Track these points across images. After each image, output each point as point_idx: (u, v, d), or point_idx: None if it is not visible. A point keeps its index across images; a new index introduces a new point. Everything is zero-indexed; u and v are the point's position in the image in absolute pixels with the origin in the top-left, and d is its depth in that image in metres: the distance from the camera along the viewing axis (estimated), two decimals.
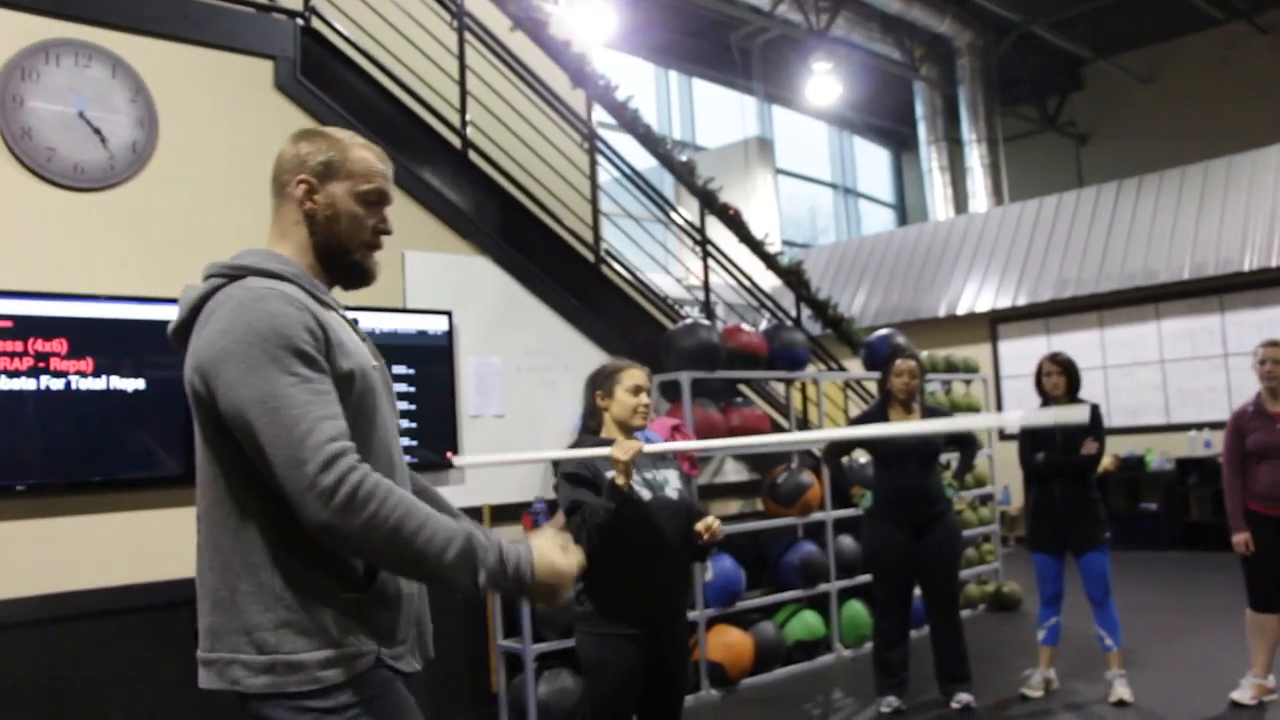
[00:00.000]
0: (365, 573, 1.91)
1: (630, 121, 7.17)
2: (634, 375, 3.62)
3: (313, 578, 1.86)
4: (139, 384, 4.48)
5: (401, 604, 1.97)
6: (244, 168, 5.01)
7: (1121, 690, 5.59)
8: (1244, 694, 5.44)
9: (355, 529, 1.73)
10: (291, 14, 5.51)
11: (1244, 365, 5.31)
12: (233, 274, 1.90)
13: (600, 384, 3.66)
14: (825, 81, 15.63)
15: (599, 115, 7.66)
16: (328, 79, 5.61)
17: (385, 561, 1.84)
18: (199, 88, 4.99)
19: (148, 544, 4.49)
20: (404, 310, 5.46)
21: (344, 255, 2.03)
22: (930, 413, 5.68)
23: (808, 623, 6.75)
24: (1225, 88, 16.77)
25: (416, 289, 5.59)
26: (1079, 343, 12.61)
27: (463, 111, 6.33)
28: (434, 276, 5.67)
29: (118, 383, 4.43)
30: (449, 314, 5.59)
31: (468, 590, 1.81)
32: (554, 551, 1.87)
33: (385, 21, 6.21)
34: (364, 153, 2.04)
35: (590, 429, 3.72)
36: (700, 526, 3.55)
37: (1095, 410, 5.80)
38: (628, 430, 3.64)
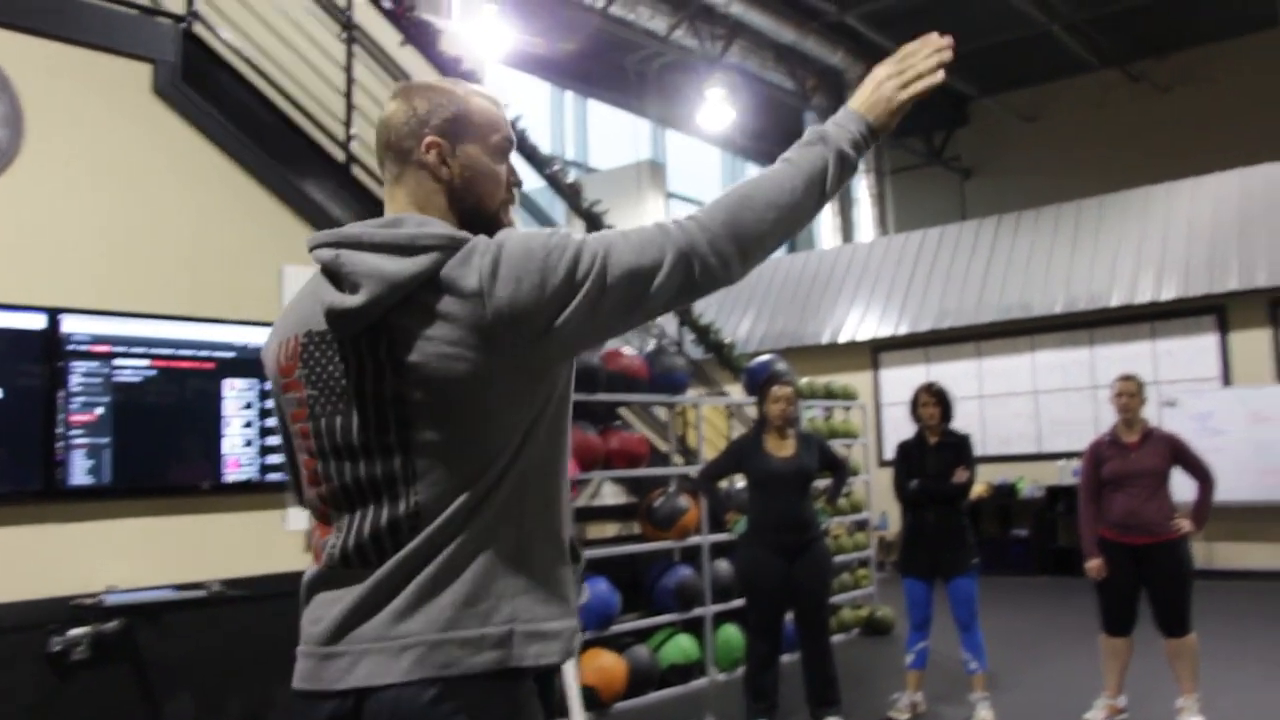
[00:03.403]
0: (571, 545, 1.80)
1: (518, 141, 7.16)
2: None
3: (556, 542, 1.74)
4: None
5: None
6: (117, 173, 4.88)
7: (984, 713, 5.74)
8: (1097, 714, 5.65)
9: (759, 245, 1.74)
10: (174, 17, 5.39)
11: (1110, 396, 5.61)
12: (453, 244, 1.68)
13: None
14: (719, 107, 15.86)
15: None
16: (209, 86, 5.49)
17: (792, 228, 1.80)
18: (72, 88, 4.83)
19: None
20: None
21: (490, 219, 1.81)
22: (805, 440, 5.78)
23: (682, 646, 6.77)
24: (1100, 131, 17.48)
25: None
26: (957, 372, 12.96)
27: (348, 125, 6.25)
28: None
29: None
30: None
31: (850, 174, 1.82)
32: (868, 90, 1.87)
33: (271, 31, 6.11)
34: (483, 101, 1.83)
35: None
36: None
37: (967, 440, 5.98)
38: None
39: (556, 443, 1.76)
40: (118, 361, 4.67)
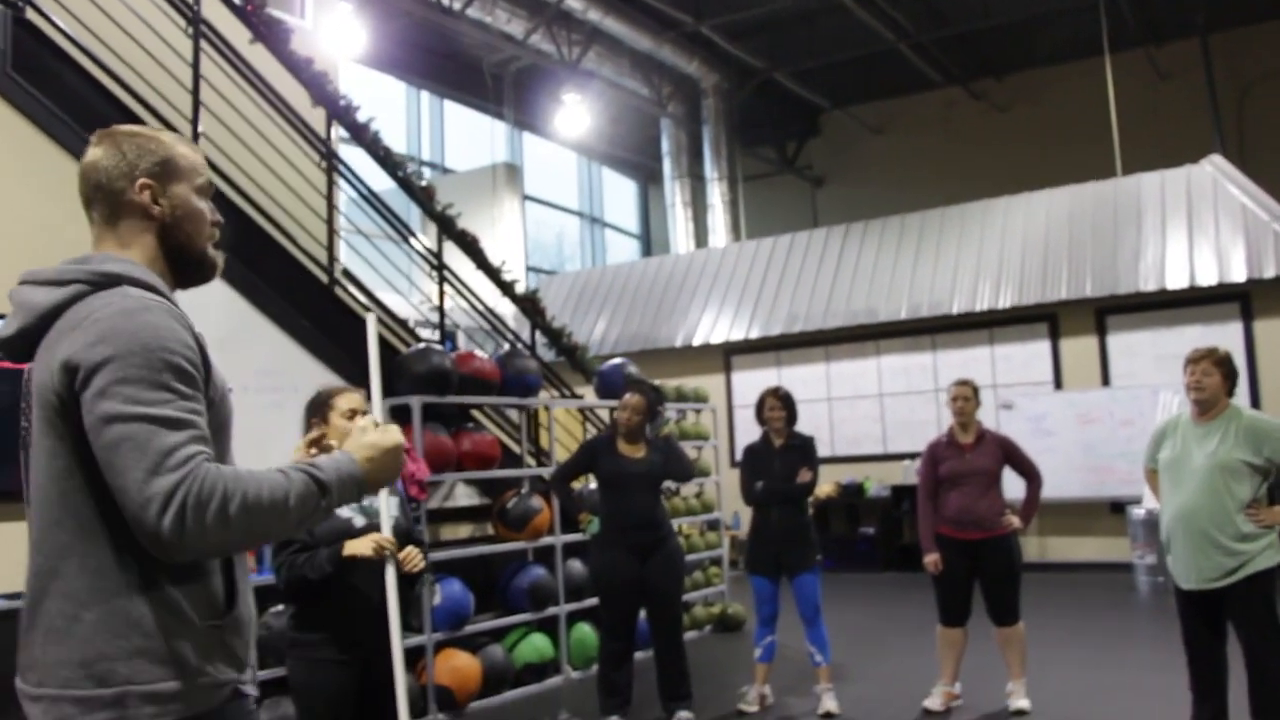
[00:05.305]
0: (226, 597, 1.83)
1: (370, 143, 7.10)
2: (349, 399, 3.62)
3: (174, 603, 1.75)
4: None
5: (251, 629, 1.93)
6: None
7: (829, 703, 5.93)
8: (935, 701, 5.90)
9: (202, 539, 1.64)
10: (4, 3, 5.19)
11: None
12: (101, 281, 1.78)
13: (315, 411, 3.64)
14: (575, 112, 15.95)
15: (339, 131, 7.55)
16: (44, 76, 5.31)
17: (237, 547, 1.77)
18: None
19: None
20: None
21: (195, 253, 1.95)
22: (653, 445, 5.86)
23: (536, 645, 6.82)
24: (944, 145, 18.20)
25: None
26: (806, 375, 13.31)
27: (195, 123, 6.11)
28: None
29: None
30: None
31: (324, 518, 1.83)
32: (367, 436, 1.90)
33: (113, 22, 5.92)
34: (184, 147, 1.97)
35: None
36: (401, 556, 3.46)
37: (810, 442, 6.18)
38: None
39: None
40: None
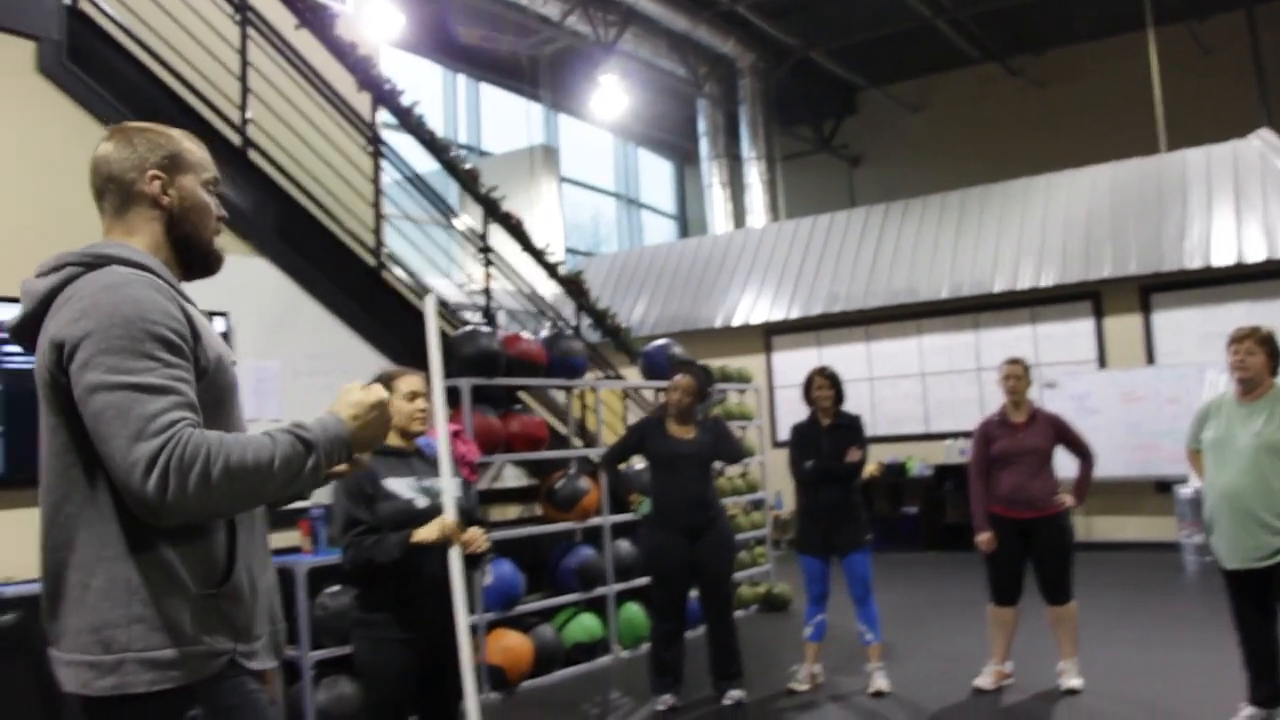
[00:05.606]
0: (225, 567, 1.88)
1: (415, 127, 7.13)
2: (409, 382, 3.65)
3: (170, 571, 1.81)
4: None
5: (258, 599, 1.96)
6: (2, 155, 4.74)
7: (880, 681, 5.94)
8: (985, 680, 5.88)
9: (185, 503, 1.68)
10: None
11: (995, 379, 5.84)
12: (93, 262, 1.85)
13: None
14: (612, 93, 15.91)
15: (383, 115, 7.58)
16: (97, 66, 5.36)
17: (226, 510, 1.82)
18: None
19: None
20: None
21: (201, 244, 2.02)
22: (702, 426, 5.88)
23: (586, 625, 6.86)
24: (982, 122, 18.01)
25: (190, 289, 5.38)
26: (847, 355, 13.24)
27: (243, 108, 6.16)
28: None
29: None
30: (225, 315, 5.43)
31: (312, 482, 1.83)
32: (352, 395, 1.94)
33: (163, 10, 5.97)
34: (191, 143, 2.05)
35: None
36: (466, 537, 3.50)
37: (858, 421, 6.16)
38: (407, 437, 3.68)
39: None
40: (9, 349, 4.55)
